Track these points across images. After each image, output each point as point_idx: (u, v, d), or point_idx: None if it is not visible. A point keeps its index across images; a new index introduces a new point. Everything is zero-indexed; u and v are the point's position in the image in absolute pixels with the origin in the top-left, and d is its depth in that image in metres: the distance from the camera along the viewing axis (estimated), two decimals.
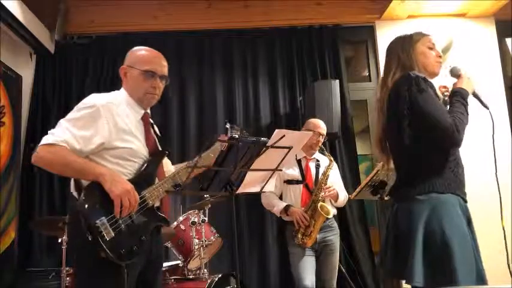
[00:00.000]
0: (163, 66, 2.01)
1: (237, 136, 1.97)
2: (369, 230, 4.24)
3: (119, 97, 1.96)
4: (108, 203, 1.74)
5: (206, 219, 3.24)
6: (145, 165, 1.91)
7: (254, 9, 4.47)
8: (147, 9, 4.42)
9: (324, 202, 3.17)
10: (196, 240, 3.14)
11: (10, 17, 3.58)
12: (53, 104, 4.27)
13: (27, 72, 4.21)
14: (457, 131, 1.73)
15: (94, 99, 1.87)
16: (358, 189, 2.97)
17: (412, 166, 1.83)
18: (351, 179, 4.18)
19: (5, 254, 3.64)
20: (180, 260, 3.27)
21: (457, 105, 1.82)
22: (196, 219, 3.17)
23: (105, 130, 1.81)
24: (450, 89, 1.94)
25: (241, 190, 2.14)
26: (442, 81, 2.01)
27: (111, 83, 4.30)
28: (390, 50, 2.03)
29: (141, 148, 1.91)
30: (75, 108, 1.86)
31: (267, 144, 2.01)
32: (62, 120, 1.84)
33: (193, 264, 3.27)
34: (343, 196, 3.37)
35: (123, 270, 1.72)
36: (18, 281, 3.56)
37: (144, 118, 1.98)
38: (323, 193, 3.16)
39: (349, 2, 4.48)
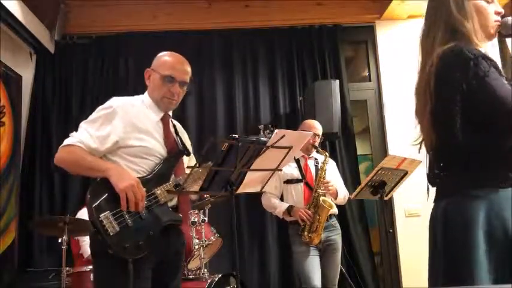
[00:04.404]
0: (184, 72, 2.09)
1: (237, 136, 1.97)
2: (369, 230, 4.24)
3: (139, 99, 2.05)
4: (116, 198, 1.79)
5: (206, 219, 3.24)
6: (161, 163, 1.97)
7: (254, 9, 4.47)
8: (147, 9, 4.42)
9: (324, 196, 3.19)
10: (196, 240, 3.14)
11: (10, 17, 3.58)
12: (52, 104, 4.27)
13: (27, 72, 4.20)
14: None
15: (112, 101, 1.96)
16: (358, 189, 2.96)
17: (464, 155, 1.44)
18: (351, 179, 4.18)
19: (5, 254, 3.64)
20: None
21: None
22: (196, 219, 3.17)
23: (120, 129, 1.89)
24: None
25: (241, 190, 2.14)
26: None
27: (112, 83, 4.31)
28: (436, 2, 1.65)
29: (157, 147, 1.97)
30: (95, 110, 1.98)
31: (267, 144, 2.01)
32: (81, 123, 1.96)
33: (193, 264, 3.27)
34: (343, 193, 3.38)
35: (128, 265, 1.75)
36: (18, 281, 3.56)
37: (163, 119, 2.05)
38: (322, 187, 3.18)
39: (349, 2, 4.48)
